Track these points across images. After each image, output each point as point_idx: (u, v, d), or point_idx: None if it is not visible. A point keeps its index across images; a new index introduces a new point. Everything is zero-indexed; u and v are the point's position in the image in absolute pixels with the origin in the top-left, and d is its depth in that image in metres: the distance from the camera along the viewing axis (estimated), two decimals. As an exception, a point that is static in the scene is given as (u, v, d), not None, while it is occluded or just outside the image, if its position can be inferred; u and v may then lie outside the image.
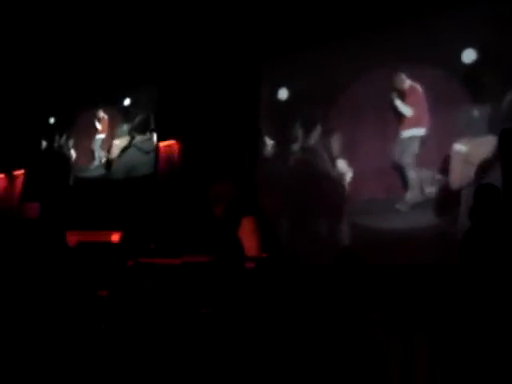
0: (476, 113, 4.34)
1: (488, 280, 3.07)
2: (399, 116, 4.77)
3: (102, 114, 6.92)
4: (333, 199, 5.03)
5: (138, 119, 6.51)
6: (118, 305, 3.41)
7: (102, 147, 6.85)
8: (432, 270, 4.34)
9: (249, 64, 5.66)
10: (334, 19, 5.10)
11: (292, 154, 5.33)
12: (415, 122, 4.68)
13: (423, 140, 4.62)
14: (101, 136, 6.91)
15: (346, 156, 5.04)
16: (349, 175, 5.00)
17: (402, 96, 4.78)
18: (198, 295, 3.25)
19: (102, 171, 6.77)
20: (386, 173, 4.76)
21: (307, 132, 5.26)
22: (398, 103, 4.78)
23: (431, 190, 4.51)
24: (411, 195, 4.63)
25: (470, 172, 4.31)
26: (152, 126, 6.36)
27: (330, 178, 5.08)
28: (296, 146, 5.31)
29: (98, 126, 6.94)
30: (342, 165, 5.06)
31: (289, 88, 5.44)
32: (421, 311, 4.24)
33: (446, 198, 4.44)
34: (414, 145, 4.66)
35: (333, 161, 5.10)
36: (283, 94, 5.46)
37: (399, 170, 4.71)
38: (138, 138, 6.47)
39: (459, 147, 4.40)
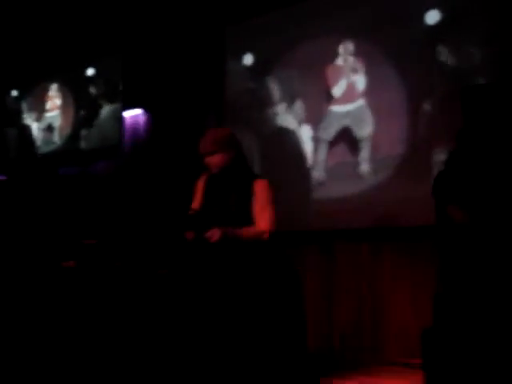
0: (440, 74, 4.34)
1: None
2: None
3: (60, 86, 6.79)
4: (302, 165, 5.01)
5: (102, 89, 6.38)
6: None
7: (62, 119, 6.73)
8: (398, 230, 4.42)
9: (213, 30, 5.57)
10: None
11: (260, 120, 5.29)
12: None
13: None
14: (62, 107, 6.79)
15: (310, 121, 5.02)
16: (314, 140, 5.00)
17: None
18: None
19: (65, 145, 6.66)
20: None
21: (274, 98, 5.21)
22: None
23: (397, 152, 4.53)
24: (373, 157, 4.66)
25: (438, 132, 4.31)
26: (118, 95, 6.24)
27: (297, 143, 5.06)
28: (264, 113, 5.27)
29: (56, 98, 6.82)
30: (307, 130, 5.04)
31: (254, 53, 5.36)
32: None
33: (413, 158, 4.44)
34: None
35: (299, 126, 5.08)
36: (248, 59, 5.39)
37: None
38: (105, 109, 6.35)
39: (427, 107, 4.39)
